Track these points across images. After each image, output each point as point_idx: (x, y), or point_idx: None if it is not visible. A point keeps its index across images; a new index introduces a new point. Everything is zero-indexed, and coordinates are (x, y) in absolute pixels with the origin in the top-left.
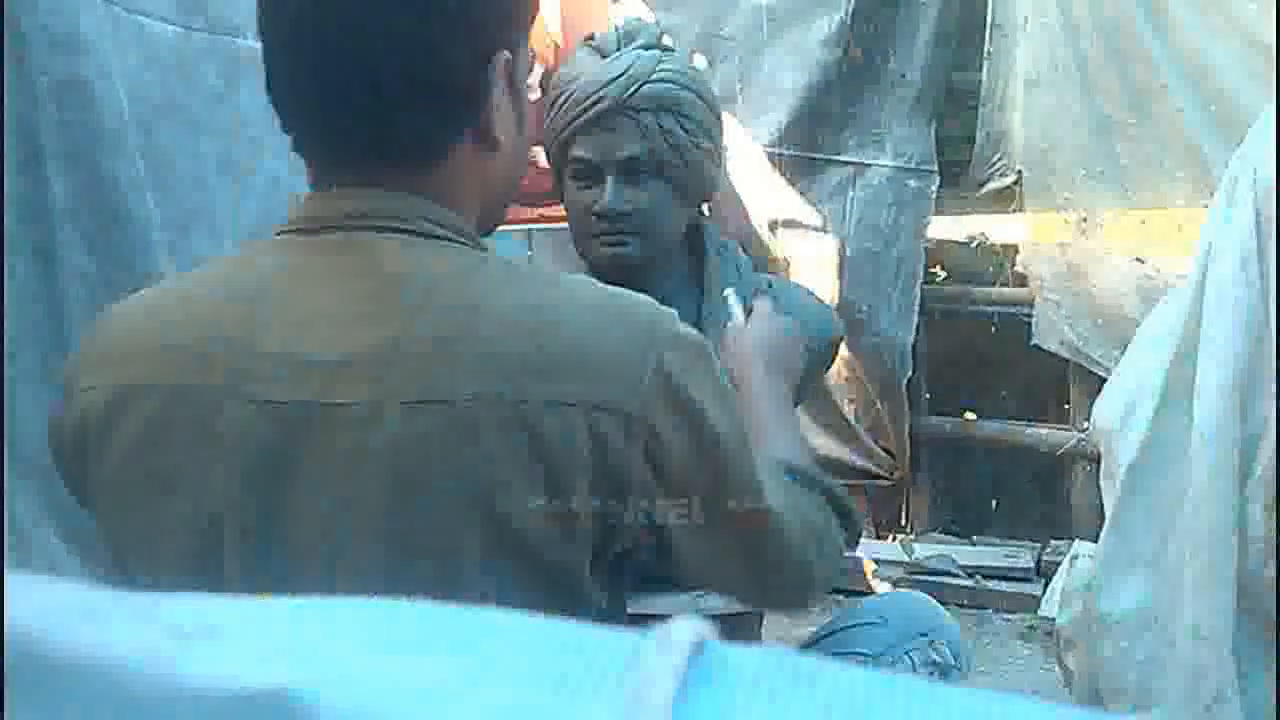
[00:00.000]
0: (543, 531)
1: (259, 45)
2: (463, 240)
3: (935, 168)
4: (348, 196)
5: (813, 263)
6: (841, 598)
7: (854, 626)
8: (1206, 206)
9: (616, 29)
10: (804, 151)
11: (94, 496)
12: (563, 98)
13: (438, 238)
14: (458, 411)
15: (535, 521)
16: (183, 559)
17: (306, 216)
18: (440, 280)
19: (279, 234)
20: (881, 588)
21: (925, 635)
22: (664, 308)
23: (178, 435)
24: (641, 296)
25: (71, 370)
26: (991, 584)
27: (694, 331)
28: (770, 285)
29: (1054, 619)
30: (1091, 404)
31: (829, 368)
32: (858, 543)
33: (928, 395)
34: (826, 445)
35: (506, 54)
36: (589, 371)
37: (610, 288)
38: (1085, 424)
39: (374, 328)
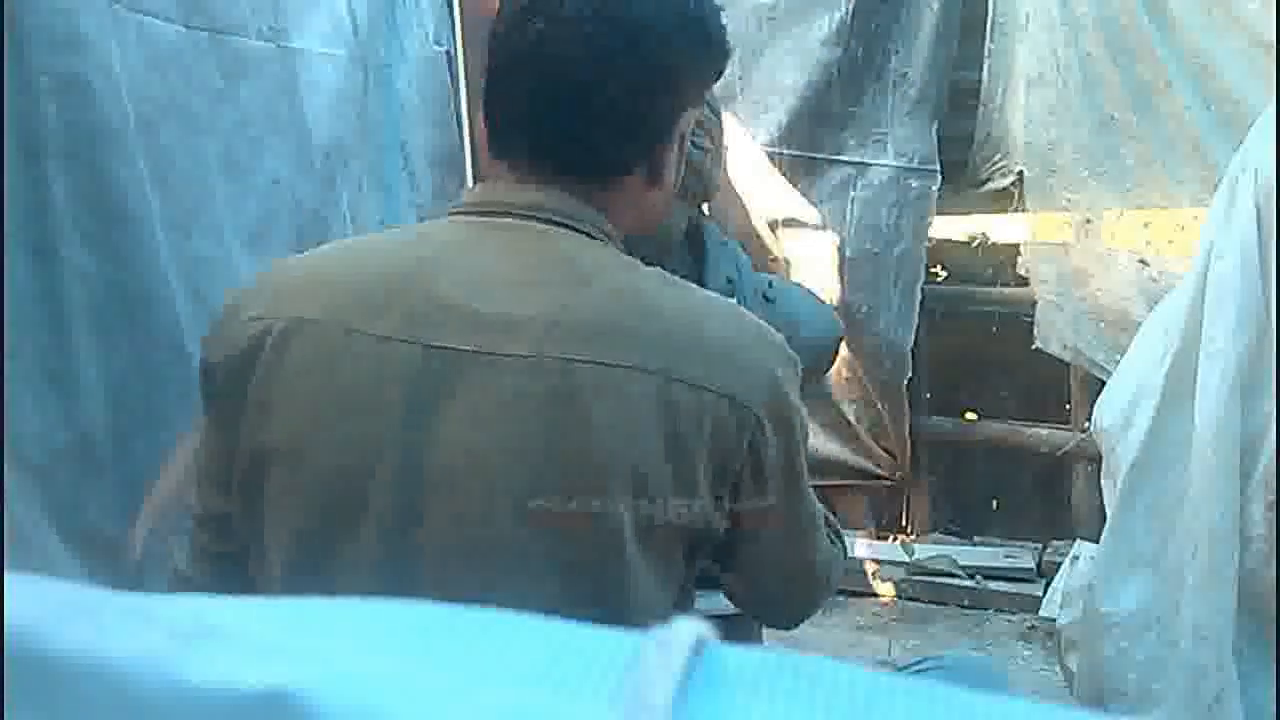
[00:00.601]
0: (667, 496)
1: (259, 45)
2: (621, 247)
3: (937, 167)
4: (527, 190)
5: (813, 263)
6: (841, 598)
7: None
8: (1209, 206)
9: None
10: (804, 151)
11: (248, 420)
12: None
13: (601, 239)
14: (610, 374)
15: (661, 482)
16: (339, 478)
17: (483, 201)
18: (603, 267)
19: (453, 214)
20: (882, 588)
21: None
22: (786, 345)
23: (349, 366)
24: (771, 331)
25: (233, 304)
26: (992, 584)
27: (797, 359)
28: (770, 285)
29: (1055, 619)
30: (1092, 404)
31: (829, 368)
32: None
33: (928, 395)
34: (826, 445)
35: (694, 112)
36: (725, 366)
37: (752, 314)
38: (1086, 424)
39: (541, 294)
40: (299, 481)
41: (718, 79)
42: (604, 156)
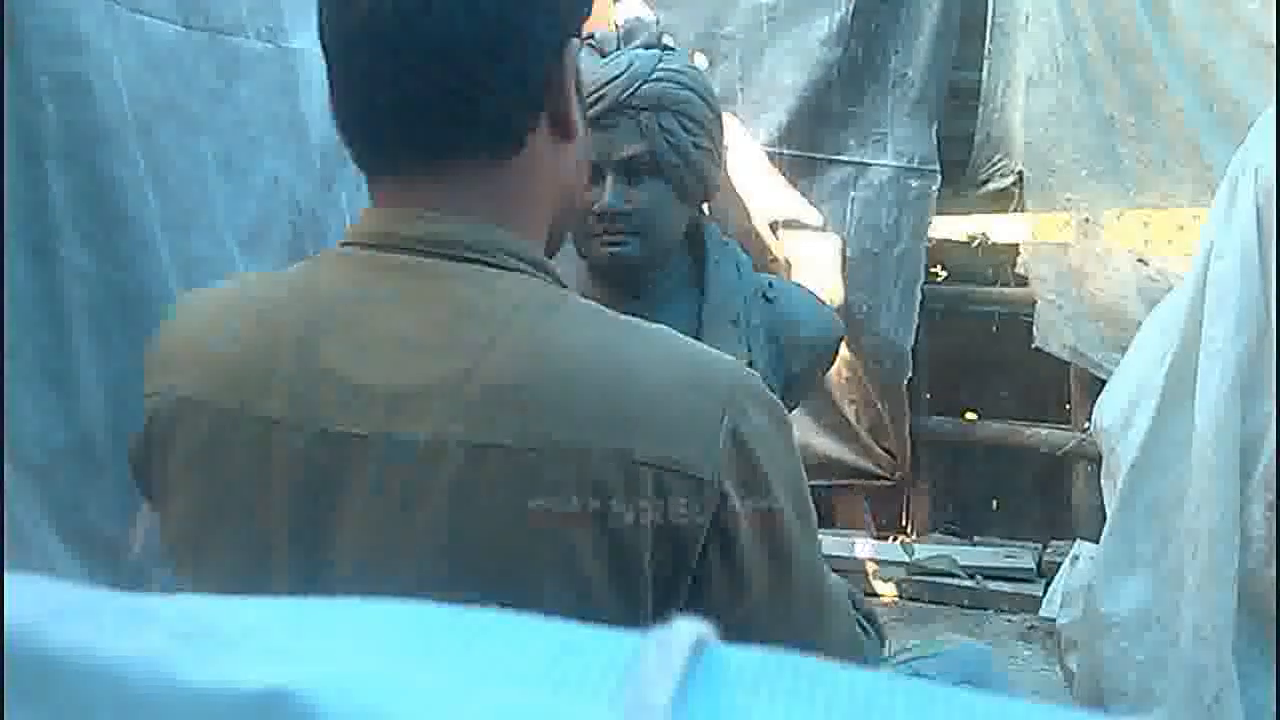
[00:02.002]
0: (604, 592)
1: (257, 45)
2: (542, 275)
3: (937, 167)
4: (422, 218)
5: (813, 263)
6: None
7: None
8: (1209, 206)
9: (616, 28)
10: (804, 151)
11: (157, 501)
12: None
13: (515, 270)
14: (521, 459)
15: (596, 580)
16: (232, 577)
17: (378, 232)
18: (513, 315)
19: (345, 245)
20: (883, 588)
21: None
22: (747, 369)
23: (234, 456)
24: (725, 356)
25: (146, 366)
26: (992, 584)
27: (775, 399)
28: (770, 285)
29: (1055, 619)
30: (1092, 404)
31: (829, 368)
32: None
33: (928, 395)
34: (826, 445)
35: (576, 41)
36: (662, 429)
37: (695, 343)
38: (1086, 424)
39: (441, 360)
40: (200, 578)
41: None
42: (496, 121)
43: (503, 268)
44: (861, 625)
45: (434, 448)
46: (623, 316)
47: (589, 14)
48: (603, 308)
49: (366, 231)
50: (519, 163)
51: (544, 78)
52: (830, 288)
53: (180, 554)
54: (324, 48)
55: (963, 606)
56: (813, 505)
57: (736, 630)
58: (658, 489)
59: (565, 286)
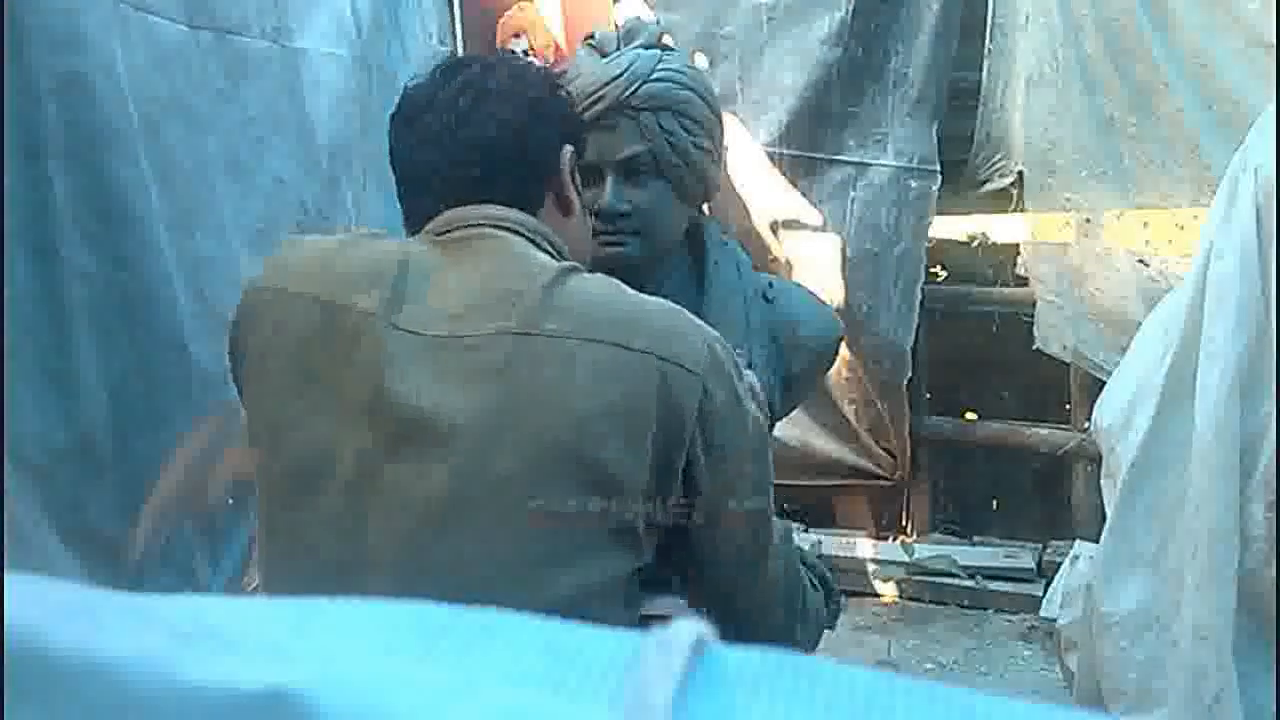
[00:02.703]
0: (615, 461)
1: (262, 44)
2: (568, 261)
3: (937, 167)
4: (479, 209)
5: (813, 263)
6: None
7: None
8: (1209, 206)
9: (616, 28)
10: (804, 151)
11: (243, 378)
12: None
13: (550, 251)
14: (558, 344)
15: (612, 452)
16: (313, 431)
17: (443, 221)
18: (557, 270)
19: (422, 235)
20: (882, 588)
21: None
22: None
23: (330, 337)
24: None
25: (258, 272)
26: (992, 584)
27: (735, 358)
28: (770, 285)
29: (1055, 619)
30: (1092, 404)
31: (829, 368)
32: (835, 622)
33: (928, 395)
34: (826, 445)
35: (570, 148)
36: (666, 338)
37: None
38: (1086, 424)
39: (497, 291)
40: (276, 437)
41: (579, 126)
42: (519, 188)
43: (540, 245)
44: (812, 581)
45: (491, 340)
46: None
47: (579, 135)
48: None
49: (434, 226)
50: (538, 217)
51: (546, 168)
52: (830, 288)
53: (269, 416)
54: (393, 160)
55: (963, 606)
56: (770, 466)
57: (701, 528)
58: (662, 376)
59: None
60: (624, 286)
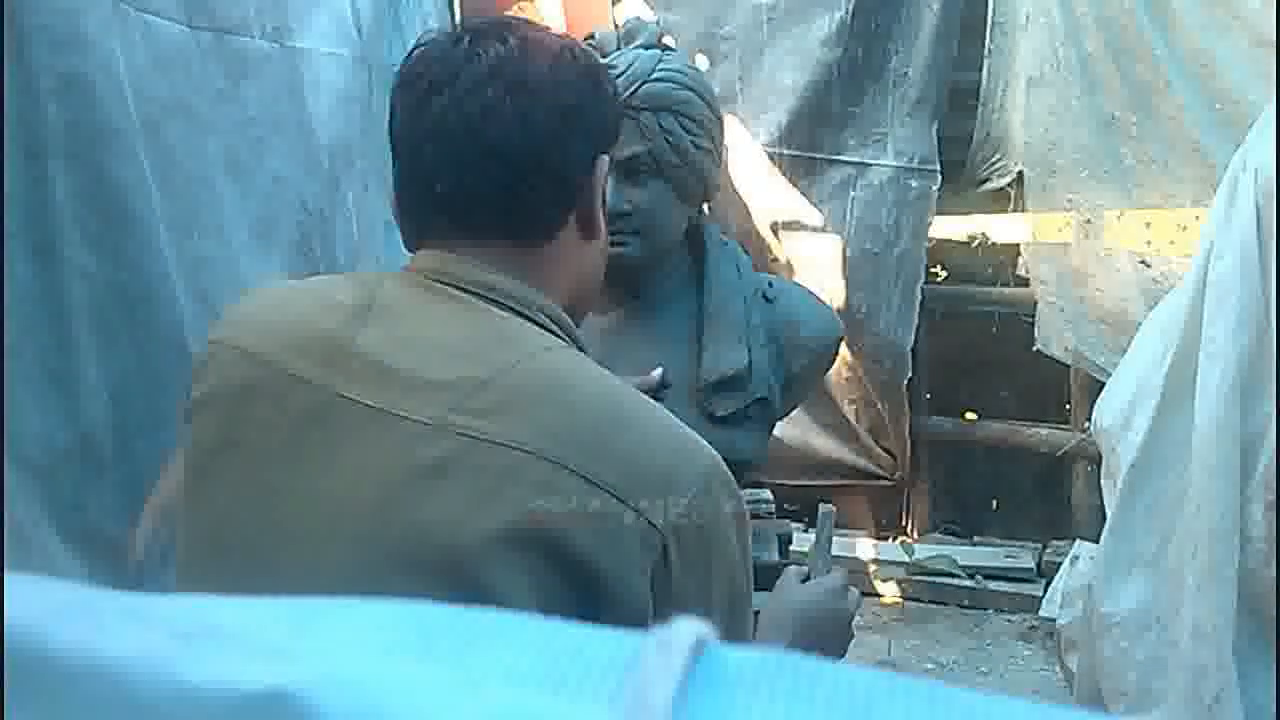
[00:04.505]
0: (552, 596)
1: (262, 44)
2: (570, 340)
3: (937, 167)
4: (477, 267)
5: (813, 263)
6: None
7: None
8: (1210, 206)
9: (617, 28)
10: (804, 151)
11: (185, 443)
12: None
13: (548, 329)
14: (506, 456)
15: (547, 585)
16: (231, 502)
17: (436, 269)
18: (540, 352)
19: (406, 270)
20: (882, 588)
21: None
22: (722, 464)
23: (261, 400)
24: (707, 446)
25: (212, 325)
26: (992, 584)
27: (740, 496)
28: (771, 285)
29: (1055, 619)
30: (1092, 404)
31: (829, 368)
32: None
33: (928, 395)
34: (826, 445)
35: (605, 158)
36: (639, 473)
37: (685, 427)
38: (1086, 424)
39: (465, 366)
40: (202, 502)
41: (618, 127)
42: (536, 215)
43: (539, 325)
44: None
45: (432, 429)
46: (630, 386)
47: (617, 138)
48: (615, 379)
49: (424, 266)
50: (548, 251)
51: (576, 184)
52: (830, 288)
53: (192, 478)
54: (393, 145)
55: (963, 606)
56: (749, 611)
57: None
58: (617, 521)
59: (586, 354)
60: (626, 387)
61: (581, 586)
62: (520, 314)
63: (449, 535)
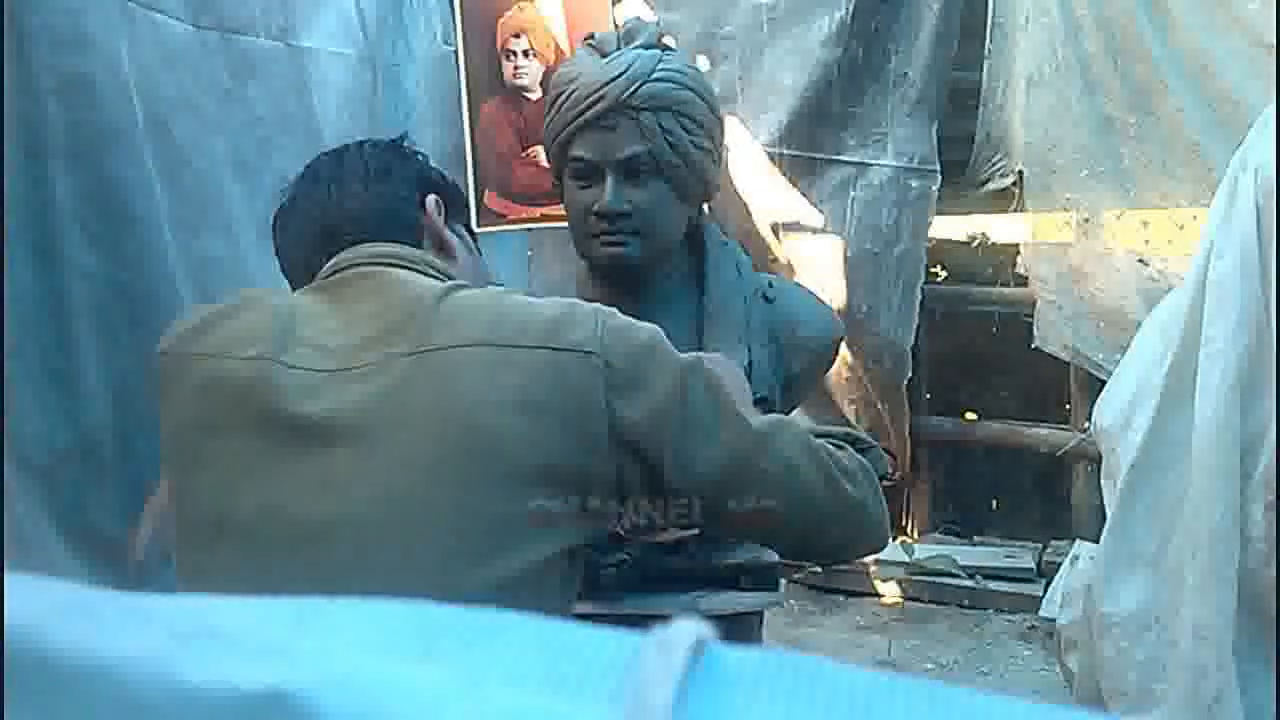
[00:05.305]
0: (516, 452)
1: (268, 44)
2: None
3: (937, 167)
4: (361, 249)
5: (813, 263)
6: (841, 598)
7: None
8: (1209, 206)
9: (617, 28)
10: (804, 151)
11: (162, 452)
12: (563, 97)
13: (435, 278)
14: (448, 355)
15: (514, 444)
16: (214, 485)
17: (329, 266)
18: (437, 287)
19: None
20: (882, 588)
21: None
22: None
23: (222, 386)
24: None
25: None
26: (992, 584)
27: (655, 330)
28: (771, 285)
29: (1055, 619)
30: (1092, 404)
31: (829, 368)
32: (886, 475)
33: (928, 395)
34: None
35: (435, 197)
36: (555, 328)
37: None
38: (1086, 424)
39: (381, 317)
40: (183, 491)
41: (444, 177)
42: (397, 232)
43: (428, 275)
44: (859, 447)
45: (379, 366)
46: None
47: (445, 182)
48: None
49: (321, 273)
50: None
51: (414, 221)
52: (830, 288)
53: (175, 474)
54: (276, 245)
55: (963, 606)
56: (727, 397)
57: (689, 491)
58: (556, 366)
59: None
60: (513, 293)
61: (564, 421)
62: (412, 269)
63: (438, 429)
